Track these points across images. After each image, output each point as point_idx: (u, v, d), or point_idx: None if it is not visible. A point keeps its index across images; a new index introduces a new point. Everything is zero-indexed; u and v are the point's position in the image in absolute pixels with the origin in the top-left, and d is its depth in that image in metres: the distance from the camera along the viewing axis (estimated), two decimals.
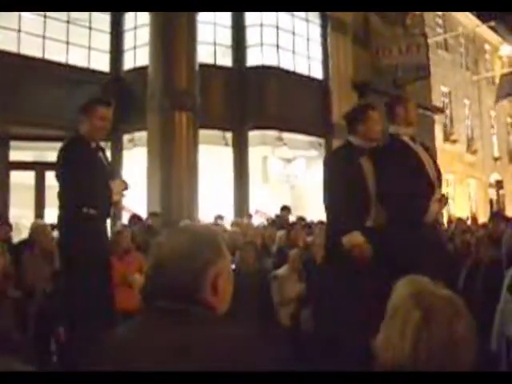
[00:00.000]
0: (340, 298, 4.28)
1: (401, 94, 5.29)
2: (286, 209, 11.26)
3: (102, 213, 4.63)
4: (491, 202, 26.83)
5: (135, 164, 13.45)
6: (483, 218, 19.16)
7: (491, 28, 26.91)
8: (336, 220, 4.46)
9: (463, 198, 24.56)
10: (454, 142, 24.15)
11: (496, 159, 28.42)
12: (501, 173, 27.87)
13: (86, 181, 4.43)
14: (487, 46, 29.05)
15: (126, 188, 4.89)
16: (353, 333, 3.78)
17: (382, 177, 4.47)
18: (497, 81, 26.25)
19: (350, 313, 4.06)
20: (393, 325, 1.67)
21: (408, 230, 4.23)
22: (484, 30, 27.19)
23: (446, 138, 23.61)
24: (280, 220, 10.61)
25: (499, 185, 27.37)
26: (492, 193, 27.15)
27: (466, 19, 26.05)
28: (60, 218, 4.68)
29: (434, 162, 4.82)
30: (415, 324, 1.61)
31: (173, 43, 12.60)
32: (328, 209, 4.55)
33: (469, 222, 13.47)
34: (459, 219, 12.33)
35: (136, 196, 13.10)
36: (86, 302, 4.29)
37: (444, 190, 22.14)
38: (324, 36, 16.62)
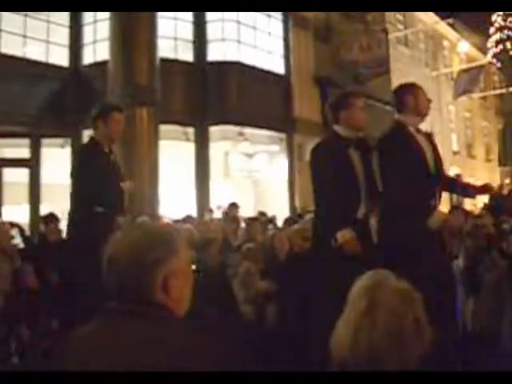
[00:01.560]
0: (320, 293, 4.29)
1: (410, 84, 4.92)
2: (233, 205, 11.25)
3: (114, 211, 4.96)
4: (450, 194, 27.22)
5: None
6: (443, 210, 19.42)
7: (450, 25, 27.33)
8: (326, 214, 4.37)
9: None
10: None
11: (455, 153, 28.89)
12: (460, 167, 28.33)
13: (99, 182, 4.80)
14: (446, 43, 29.46)
15: (131, 190, 5.39)
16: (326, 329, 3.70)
17: (384, 167, 4.39)
18: (455, 77, 26.66)
19: (328, 310, 4.00)
20: (342, 316, 1.69)
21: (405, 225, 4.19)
22: (443, 27, 27.59)
23: None
24: (228, 217, 10.54)
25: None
26: None
27: (426, 16, 26.36)
28: (71, 215, 5.11)
29: (437, 153, 4.63)
30: (359, 313, 1.63)
31: (133, 38, 12.46)
32: (317, 202, 4.48)
33: None
34: None
35: None
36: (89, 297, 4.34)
37: None
38: (286, 31, 16.65)
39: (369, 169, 4.45)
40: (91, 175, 4.86)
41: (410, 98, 4.49)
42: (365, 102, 4.65)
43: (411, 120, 4.48)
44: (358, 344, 1.59)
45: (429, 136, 4.66)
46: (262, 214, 10.74)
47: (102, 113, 5.17)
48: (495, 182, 29.54)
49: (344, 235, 4.16)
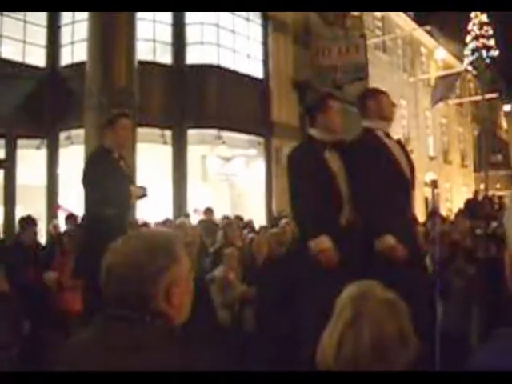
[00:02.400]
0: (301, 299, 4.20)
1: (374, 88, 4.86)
2: (208, 210, 11.23)
3: (122, 213, 5.22)
4: (426, 200, 27.48)
5: (72, 162, 13.19)
6: (419, 216, 19.61)
7: (427, 32, 27.59)
8: (303, 222, 4.23)
9: None
10: None
11: (431, 159, 29.16)
12: (436, 172, 28.60)
13: (110, 187, 5.03)
14: (423, 49, 29.75)
15: (144, 194, 5.56)
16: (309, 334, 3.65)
17: (354, 174, 4.24)
18: (432, 83, 26.92)
19: (308, 316, 3.89)
20: (328, 325, 1.70)
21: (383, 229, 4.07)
22: (420, 34, 27.86)
23: None
24: (205, 223, 10.46)
25: (434, 184, 28.03)
26: (427, 192, 27.84)
27: (404, 22, 26.62)
28: (84, 217, 5.57)
29: (409, 159, 4.55)
30: (343, 324, 1.64)
31: (112, 39, 12.39)
32: (295, 210, 4.34)
33: None
34: None
35: (73, 195, 12.88)
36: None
37: None
38: (265, 35, 16.68)
39: (351, 171, 4.30)
40: (102, 181, 5.07)
41: (372, 102, 4.43)
42: (342, 104, 4.57)
43: (377, 125, 4.40)
44: (342, 354, 1.60)
45: (399, 142, 4.62)
46: (238, 217, 10.73)
47: (110, 121, 5.39)
48: (470, 188, 29.89)
49: (319, 244, 4.00)
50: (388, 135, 4.46)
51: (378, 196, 4.11)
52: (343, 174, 4.27)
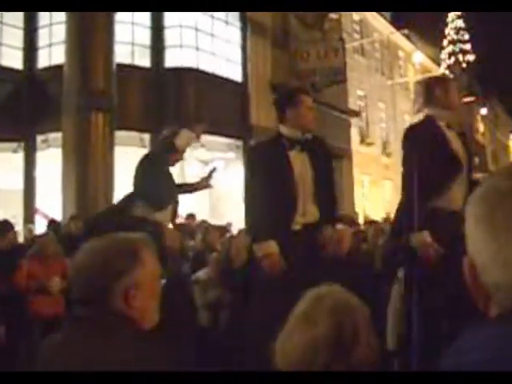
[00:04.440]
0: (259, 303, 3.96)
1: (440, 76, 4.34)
2: (191, 216, 11.20)
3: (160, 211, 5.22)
4: None
5: (50, 165, 13.12)
6: None
7: (405, 36, 27.87)
8: (251, 223, 4.02)
9: (378, 199, 25.28)
10: (370, 144, 24.84)
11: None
12: None
13: (156, 189, 4.87)
14: (401, 53, 30.01)
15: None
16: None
17: (321, 175, 3.99)
18: (410, 86, 27.17)
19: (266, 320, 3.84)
20: (286, 327, 1.71)
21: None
22: (398, 38, 28.12)
23: (362, 140, 24.23)
24: (186, 228, 10.38)
25: None
26: None
27: (382, 26, 26.84)
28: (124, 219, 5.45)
29: (469, 153, 4.22)
30: (298, 324, 1.65)
31: (90, 42, 12.36)
32: (245, 208, 4.04)
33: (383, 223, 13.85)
34: (373, 221, 12.66)
35: (50, 198, 12.81)
36: None
37: (359, 191, 22.80)
38: (243, 39, 16.72)
39: (320, 173, 4.02)
40: (149, 183, 5.00)
41: (440, 90, 4.13)
42: (314, 100, 4.28)
43: (440, 113, 4.11)
44: (295, 352, 1.61)
45: (462, 134, 4.28)
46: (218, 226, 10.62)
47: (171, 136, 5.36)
48: None
49: (263, 248, 3.78)
50: (449, 126, 4.14)
51: (426, 186, 3.73)
52: (310, 176, 3.98)
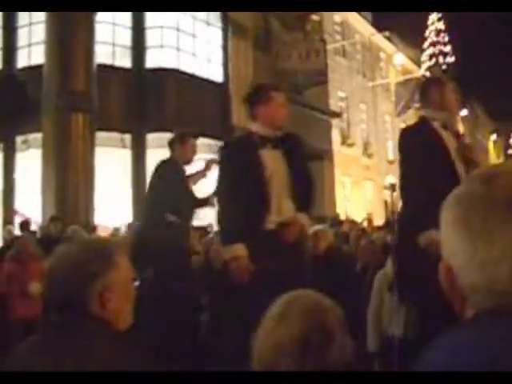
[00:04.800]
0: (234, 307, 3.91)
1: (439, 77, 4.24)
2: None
3: (185, 219, 5.47)
4: (386, 203, 27.84)
5: (29, 166, 13.03)
6: (379, 219, 19.89)
7: (386, 38, 28.04)
8: (221, 224, 3.92)
9: (359, 199, 25.41)
10: (351, 145, 24.95)
11: (391, 162, 29.55)
12: (395, 175, 28.99)
13: (173, 193, 5.27)
14: (382, 55, 30.18)
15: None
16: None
17: (298, 172, 3.89)
18: (391, 88, 27.32)
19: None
20: (260, 328, 1.72)
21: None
22: (379, 39, 28.29)
23: (343, 141, 24.34)
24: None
25: (393, 187, 28.40)
26: (387, 195, 28.22)
27: (363, 28, 26.97)
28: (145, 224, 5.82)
29: (465, 151, 4.09)
30: (268, 323, 1.66)
31: (70, 42, 12.29)
32: (217, 211, 3.95)
33: (365, 224, 13.95)
34: (353, 222, 12.73)
35: (30, 199, 12.71)
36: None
37: (340, 192, 22.88)
38: (225, 39, 16.73)
39: (295, 170, 3.91)
40: (166, 187, 5.30)
41: (435, 92, 4.08)
42: (286, 97, 4.14)
43: (434, 115, 4.05)
44: (270, 353, 1.62)
45: (459, 135, 4.19)
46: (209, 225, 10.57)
47: (179, 138, 5.64)
48: None
49: (230, 251, 3.69)
50: (445, 127, 4.06)
51: (425, 187, 3.65)
52: (283, 172, 3.87)
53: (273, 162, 3.85)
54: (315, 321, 1.63)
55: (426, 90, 4.19)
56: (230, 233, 3.76)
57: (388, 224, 9.53)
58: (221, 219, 3.93)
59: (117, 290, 1.72)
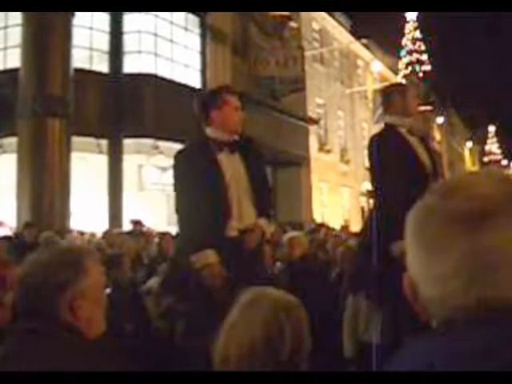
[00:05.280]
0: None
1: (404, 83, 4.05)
2: (137, 223, 10.85)
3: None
4: (363, 209, 28.00)
5: (4, 171, 12.90)
6: (356, 225, 19.99)
7: (364, 45, 28.25)
8: (185, 233, 3.81)
9: (336, 206, 25.51)
10: (328, 151, 25.06)
11: (368, 169, 29.72)
12: None
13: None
14: (360, 62, 30.38)
15: None
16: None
17: (257, 176, 3.82)
18: (369, 95, 27.53)
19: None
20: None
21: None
22: (357, 47, 28.48)
23: (321, 147, 24.42)
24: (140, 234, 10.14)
25: (370, 194, 28.64)
26: (364, 201, 28.37)
27: (341, 35, 27.14)
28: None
29: (432, 157, 4.14)
30: (230, 324, 1.67)
31: (47, 46, 12.20)
32: (177, 218, 3.80)
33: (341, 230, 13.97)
34: (329, 229, 12.75)
35: (5, 204, 12.57)
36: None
37: (317, 198, 22.96)
38: (203, 45, 16.73)
39: (254, 174, 3.83)
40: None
41: (397, 97, 4.10)
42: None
43: (399, 121, 4.08)
44: (232, 353, 1.62)
45: (422, 139, 4.22)
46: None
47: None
48: None
49: (201, 258, 3.55)
50: (411, 132, 4.07)
51: (395, 195, 3.63)
52: (243, 177, 3.78)
53: (231, 166, 3.75)
54: (278, 321, 1.64)
55: (388, 96, 4.15)
56: (196, 240, 3.60)
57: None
58: (183, 226, 3.80)
59: (88, 297, 1.72)
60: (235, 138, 3.85)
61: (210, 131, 3.82)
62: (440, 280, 0.89)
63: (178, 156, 3.87)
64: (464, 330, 0.86)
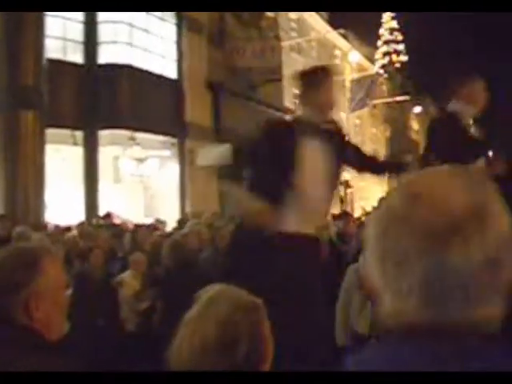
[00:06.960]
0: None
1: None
2: (107, 216, 10.82)
3: None
4: (341, 199, 28.15)
5: None
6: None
7: (341, 35, 28.28)
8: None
9: None
10: None
11: None
12: (350, 172, 29.27)
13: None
14: (338, 52, 30.40)
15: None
16: None
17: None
18: (347, 84, 27.59)
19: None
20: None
21: None
22: (335, 37, 28.50)
23: None
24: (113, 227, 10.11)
25: (347, 184, 28.86)
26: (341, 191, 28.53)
27: (319, 25, 27.11)
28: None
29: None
30: (188, 324, 1.65)
31: (19, 36, 12.00)
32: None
33: None
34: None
35: None
36: None
37: None
38: (179, 35, 16.61)
39: (334, 159, 3.65)
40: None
41: (465, 89, 4.21)
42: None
43: (462, 109, 4.21)
44: (188, 353, 1.61)
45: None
46: (159, 221, 10.46)
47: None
48: (383, 188, 30.83)
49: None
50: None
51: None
52: (321, 159, 3.60)
53: (316, 150, 3.59)
54: (236, 319, 1.62)
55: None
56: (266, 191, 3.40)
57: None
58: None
59: (45, 298, 1.68)
60: (325, 119, 3.72)
61: (305, 110, 3.71)
62: (394, 296, 0.87)
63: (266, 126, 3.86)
64: (397, 344, 0.86)
